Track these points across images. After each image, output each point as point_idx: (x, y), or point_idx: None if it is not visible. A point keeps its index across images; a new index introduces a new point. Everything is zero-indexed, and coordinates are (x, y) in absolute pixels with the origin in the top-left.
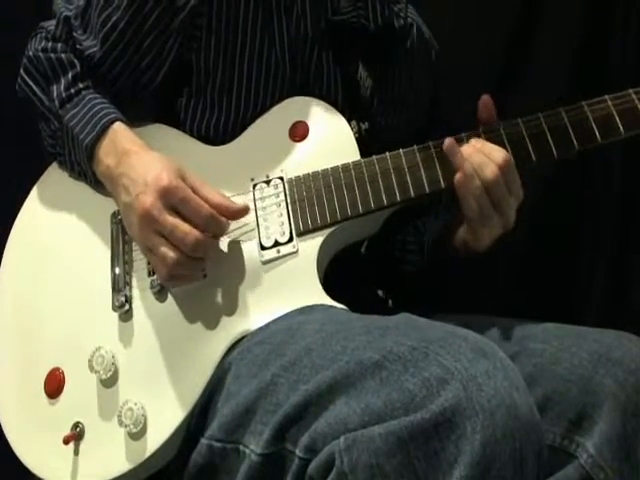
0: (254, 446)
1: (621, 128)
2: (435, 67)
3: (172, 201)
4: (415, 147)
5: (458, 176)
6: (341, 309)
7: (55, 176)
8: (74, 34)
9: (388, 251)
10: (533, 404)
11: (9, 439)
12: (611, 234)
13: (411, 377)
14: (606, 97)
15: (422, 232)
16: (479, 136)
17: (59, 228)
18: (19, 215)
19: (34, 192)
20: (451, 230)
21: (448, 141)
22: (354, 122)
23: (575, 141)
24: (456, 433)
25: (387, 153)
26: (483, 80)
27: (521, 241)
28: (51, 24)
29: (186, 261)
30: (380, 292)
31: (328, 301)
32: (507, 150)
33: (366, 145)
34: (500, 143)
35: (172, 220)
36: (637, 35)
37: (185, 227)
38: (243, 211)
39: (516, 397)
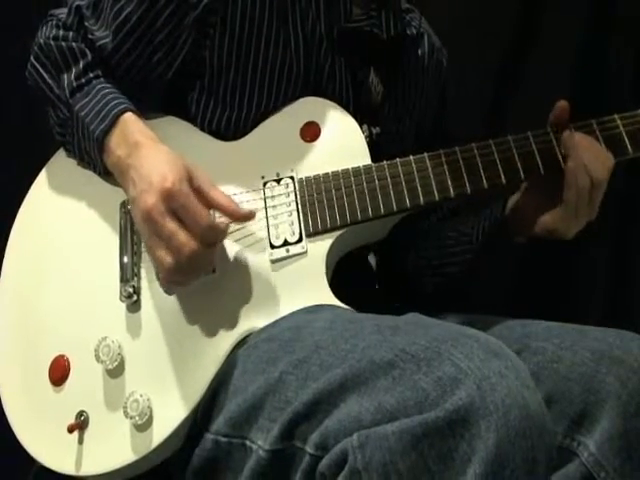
0: (262, 442)
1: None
2: (445, 77)
3: (173, 205)
4: (426, 154)
5: (572, 166)
6: (347, 309)
7: (62, 162)
8: (85, 24)
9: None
10: (543, 404)
11: (12, 426)
12: (612, 233)
13: (424, 376)
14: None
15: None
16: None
17: (66, 215)
18: (25, 200)
19: (41, 177)
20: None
21: (567, 134)
22: (365, 126)
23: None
24: (470, 432)
25: (397, 159)
26: (482, 81)
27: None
28: (62, 12)
29: (181, 269)
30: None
31: (335, 301)
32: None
33: (376, 150)
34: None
35: (171, 226)
36: (637, 35)
37: (182, 237)
38: (249, 216)
39: (528, 396)
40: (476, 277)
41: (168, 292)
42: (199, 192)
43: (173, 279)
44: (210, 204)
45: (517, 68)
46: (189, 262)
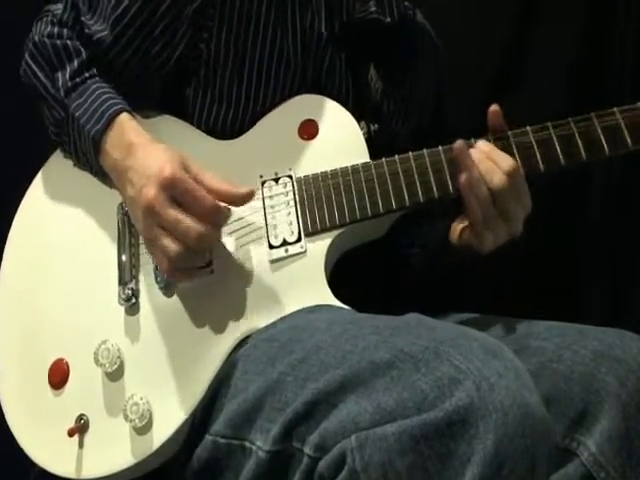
0: (261, 443)
1: (629, 141)
2: (441, 69)
3: (174, 193)
4: (425, 151)
5: (464, 180)
6: (347, 309)
7: (59, 164)
8: (82, 18)
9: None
10: (542, 404)
11: (13, 430)
12: (612, 233)
13: (423, 377)
14: (615, 109)
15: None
16: (488, 142)
17: (63, 218)
18: (22, 203)
19: (38, 179)
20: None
21: (458, 143)
22: (363, 123)
23: (584, 152)
24: (469, 432)
25: (396, 156)
26: (481, 81)
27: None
28: (58, 8)
29: (188, 254)
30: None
31: (335, 301)
32: (516, 158)
33: (375, 147)
34: (509, 151)
35: (174, 213)
36: (637, 35)
37: (188, 221)
38: (248, 196)
39: (527, 397)
40: (476, 264)
41: (167, 294)
42: (196, 180)
43: (180, 266)
44: (208, 190)
45: (516, 64)
46: (197, 244)
